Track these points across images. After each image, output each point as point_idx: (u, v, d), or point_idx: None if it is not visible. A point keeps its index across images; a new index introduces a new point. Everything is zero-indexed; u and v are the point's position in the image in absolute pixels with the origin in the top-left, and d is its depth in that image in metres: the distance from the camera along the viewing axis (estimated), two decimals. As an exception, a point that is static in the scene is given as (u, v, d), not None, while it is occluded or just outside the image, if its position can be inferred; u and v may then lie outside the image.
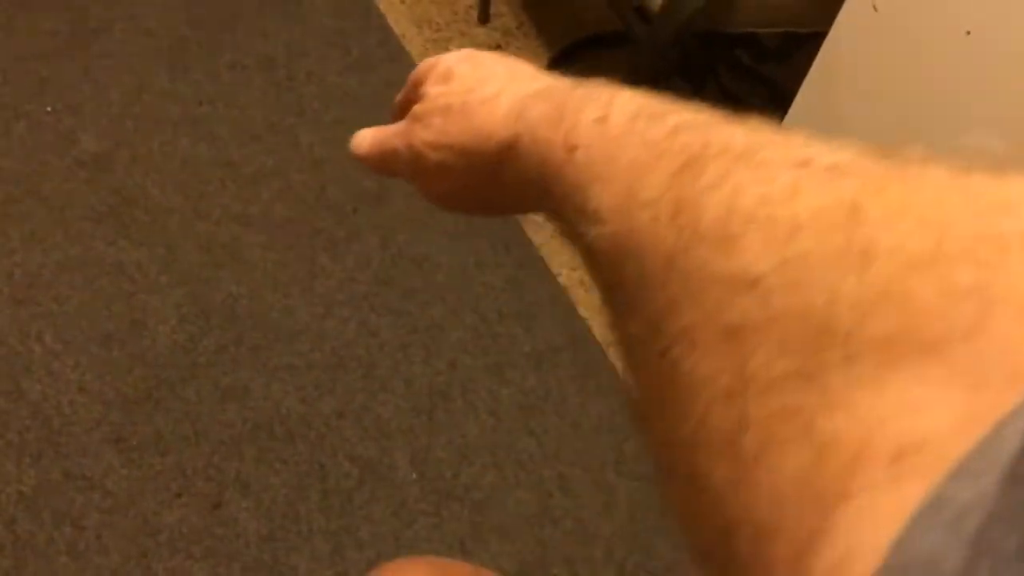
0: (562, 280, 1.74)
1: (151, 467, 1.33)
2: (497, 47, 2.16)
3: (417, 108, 0.42)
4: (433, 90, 0.42)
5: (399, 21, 2.13)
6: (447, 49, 2.15)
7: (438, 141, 0.40)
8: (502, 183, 0.37)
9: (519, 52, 2.15)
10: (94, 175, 1.67)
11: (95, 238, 1.58)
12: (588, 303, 1.71)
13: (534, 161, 0.33)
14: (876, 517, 0.16)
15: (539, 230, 1.81)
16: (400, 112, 0.45)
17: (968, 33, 1.21)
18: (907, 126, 1.33)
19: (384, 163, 0.46)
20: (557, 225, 0.34)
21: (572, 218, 0.30)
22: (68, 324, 1.46)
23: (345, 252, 1.67)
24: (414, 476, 1.41)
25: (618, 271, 0.27)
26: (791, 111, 1.52)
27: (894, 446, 0.16)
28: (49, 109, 1.75)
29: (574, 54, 2.16)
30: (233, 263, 1.60)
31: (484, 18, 2.20)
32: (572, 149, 0.30)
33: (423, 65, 0.44)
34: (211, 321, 1.51)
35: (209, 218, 1.65)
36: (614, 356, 1.64)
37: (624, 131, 0.29)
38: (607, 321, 0.31)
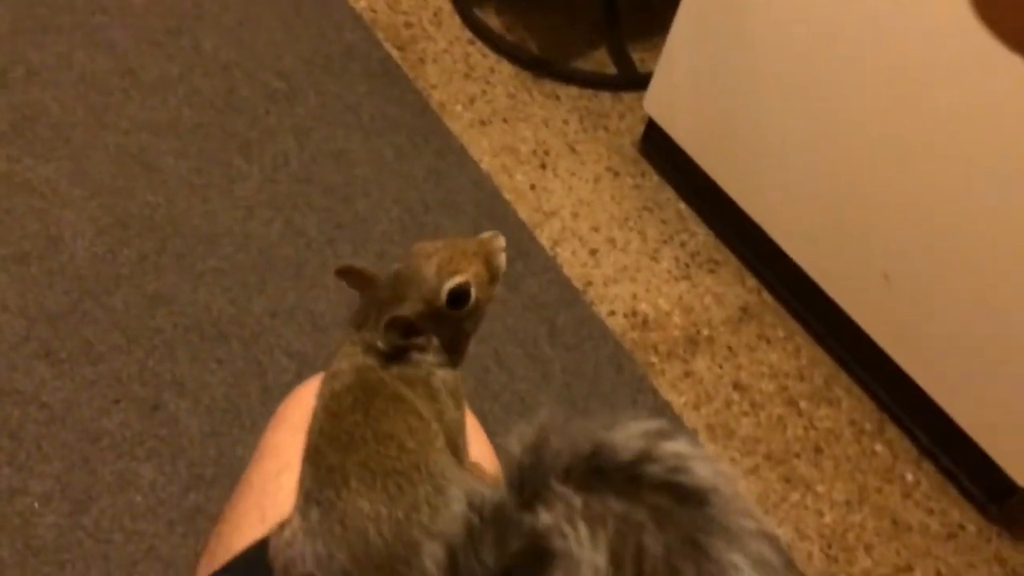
0: (484, 167, 1.74)
1: (84, 377, 1.32)
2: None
3: None
4: None
5: (295, -83, 2.06)
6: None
7: None
8: None
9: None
10: (-12, 94, 1.61)
11: (-2, 158, 1.53)
12: (511, 187, 1.72)
13: None
14: None
15: (457, 119, 1.81)
16: None
17: None
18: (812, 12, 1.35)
19: None
20: None
21: None
22: (-20, 245, 1.42)
23: (261, 153, 1.64)
24: (352, 364, 1.43)
25: None
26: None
27: None
28: (-69, 29, 1.66)
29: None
30: (146, 172, 1.56)
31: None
32: None
33: None
34: (130, 231, 1.49)
35: (116, 129, 1.60)
36: (540, 236, 1.67)
37: None
38: None
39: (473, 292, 0.52)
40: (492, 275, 0.54)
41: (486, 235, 0.55)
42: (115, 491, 1.24)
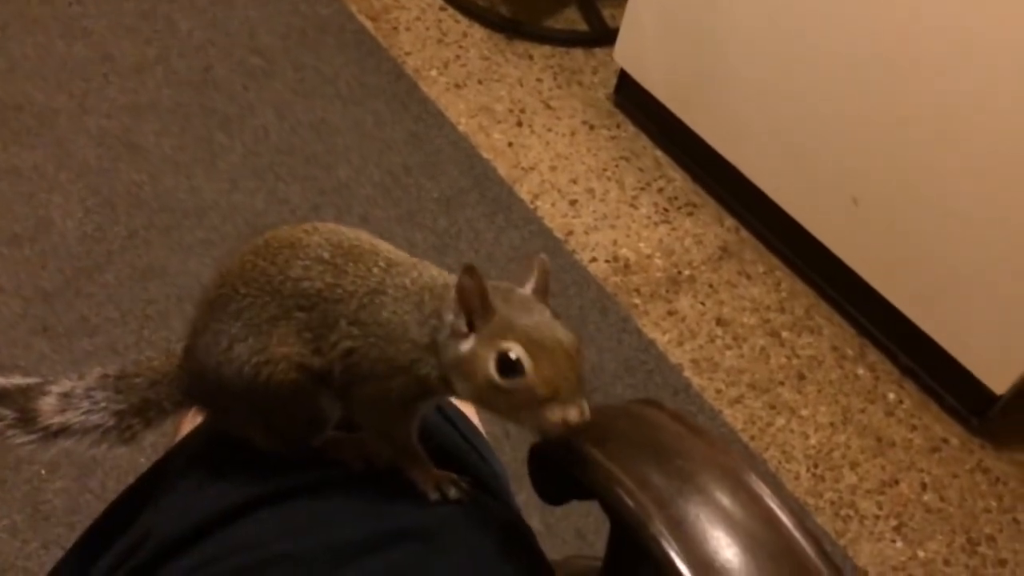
0: (461, 128, 1.77)
1: (83, 350, 1.36)
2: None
3: None
4: None
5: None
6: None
7: None
8: None
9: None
10: (-28, 87, 1.64)
11: (-15, 148, 1.57)
12: (489, 146, 1.76)
13: None
14: None
15: (433, 84, 1.84)
16: None
17: None
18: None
19: None
20: None
21: None
22: (-27, 232, 1.46)
23: (241, 128, 1.68)
24: (342, 323, 1.46)
25: None
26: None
27: None
28: (-89, 28, 1.70)
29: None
30: (129, 153, 1.60)
31: None
32: None
33: None
34: (117, 210, 1.53)
35: (97, 112, 1.64)
36: (520, 191, 1.70)
37: None
38: None
39: (525, 370, 0.44)
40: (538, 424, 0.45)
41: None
42: (118, 455, 1.27)
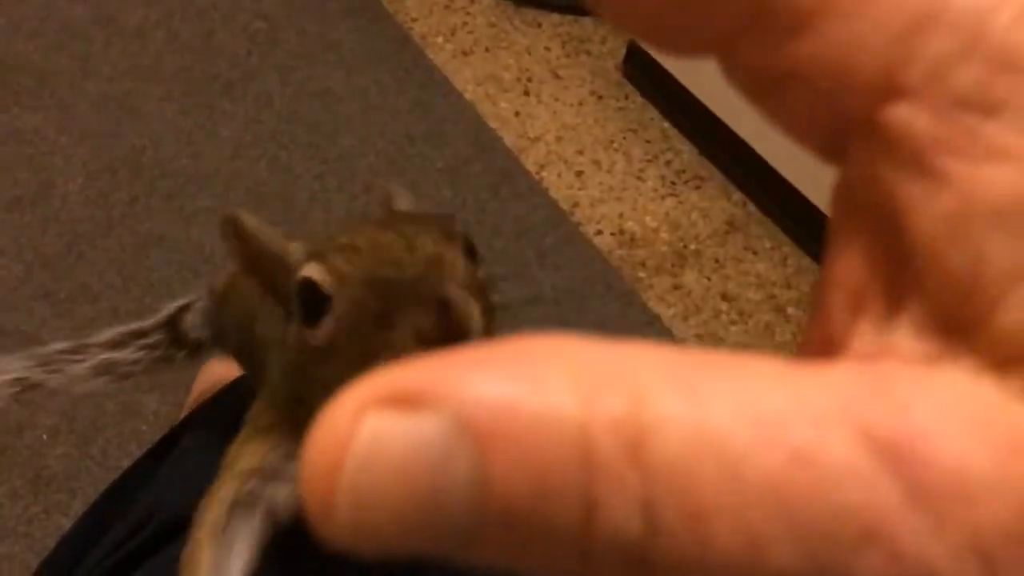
0: (468, 96, 1.75)
1: (84, 316, 1.35)
2: None
3: None
4: None
5: None
6: None
7: None
8: None
9: None
10: (-29, 48, 1.62)
11: (-15, 110, 1.55)
12: (495, 115, 1.73)
13: None
14: None
15: (440, 51, 1.81)
16: None
17: None
18: None
19: None
20: None
21: None
22: (-26, 195, 1.45)
23: (244, 94, 1.66)
24: (345, 293, 1.46)
25: None
26: None
27: None
28: (-90, -13, 1.67)
29: None
30: (131, 117, 1.58)
31: None
32: None
33: None
34: (119, 175, 1.51)
35: (99, 76, 1.62)
36: (526, 161, 1.68)
37: None
38: None
39: (327, 290, 0.29)
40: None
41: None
42: (120, 421, 1.28)
